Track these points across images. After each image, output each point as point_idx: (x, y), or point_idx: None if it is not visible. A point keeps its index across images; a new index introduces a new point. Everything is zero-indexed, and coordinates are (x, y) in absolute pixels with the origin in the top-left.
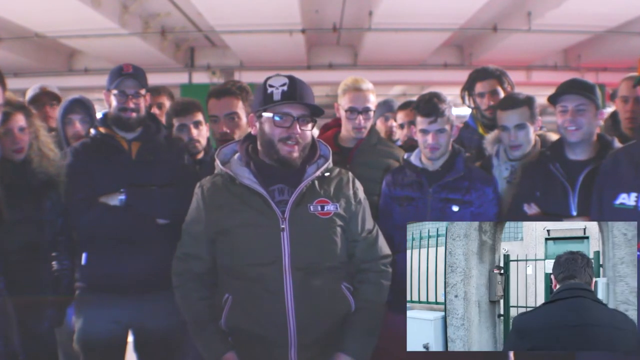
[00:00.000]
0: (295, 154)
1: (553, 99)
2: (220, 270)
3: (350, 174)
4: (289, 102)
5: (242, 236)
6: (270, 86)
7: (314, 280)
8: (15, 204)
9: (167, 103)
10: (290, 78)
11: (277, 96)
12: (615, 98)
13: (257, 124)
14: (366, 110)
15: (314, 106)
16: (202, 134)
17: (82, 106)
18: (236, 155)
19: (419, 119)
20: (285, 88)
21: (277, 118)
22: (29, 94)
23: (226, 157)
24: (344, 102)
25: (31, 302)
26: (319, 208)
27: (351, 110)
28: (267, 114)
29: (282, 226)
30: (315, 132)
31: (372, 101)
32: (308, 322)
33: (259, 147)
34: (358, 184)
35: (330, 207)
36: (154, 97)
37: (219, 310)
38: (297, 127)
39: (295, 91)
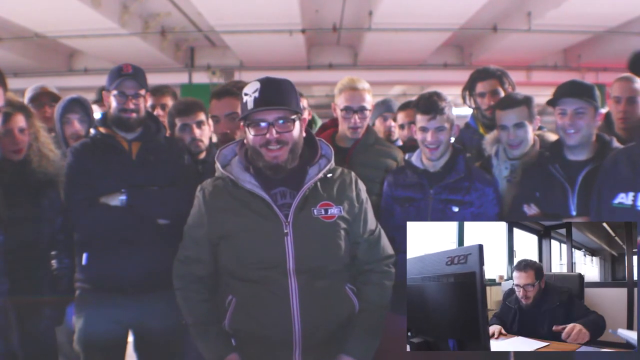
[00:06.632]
0: (282, 158)
1: (552, 102)
2: (223, 272)
3: (352, 174)
4: (261, 109)
5: (245, 240)
6: (246, 94)
7: (319, 283)
8: (14, 204)
9: (170, 104)
10: (263, 82)
11: (250, 104)
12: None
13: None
14: (362, 109)
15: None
16: (204, 133)
17: (79, 105)
18: (236, 158)
19: (418, 117)
20: (257, 95)
21: (254, 125)
22: (28, 94)
23: (226, 159)
24: (340, 102)
25: (31, 301)
26: (323, 212)
27: (347, 110)
28: (246, 123)
29: (286, 230)
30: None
31: (368, 100)
32: (313, 324)
33: None
34: (361, 184)
35: (334, 211)
36: (157, 97)
37: (221, 312)
38: (273, 131)
39: (267, 96)
